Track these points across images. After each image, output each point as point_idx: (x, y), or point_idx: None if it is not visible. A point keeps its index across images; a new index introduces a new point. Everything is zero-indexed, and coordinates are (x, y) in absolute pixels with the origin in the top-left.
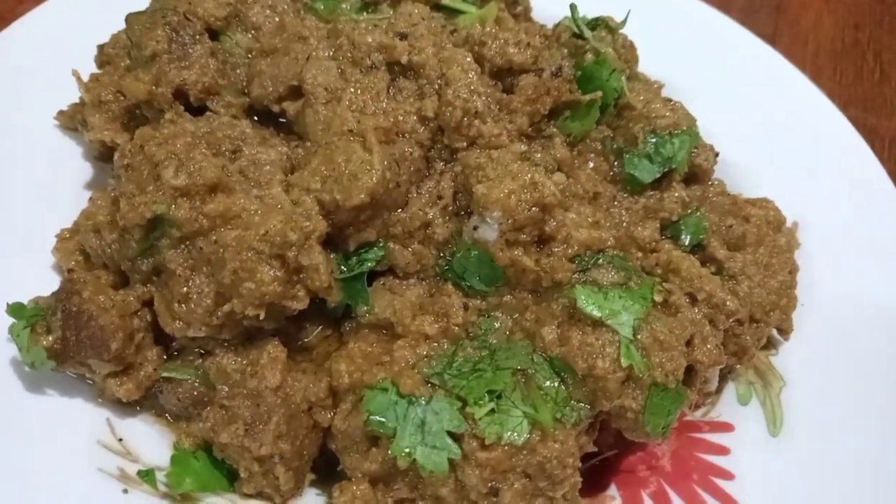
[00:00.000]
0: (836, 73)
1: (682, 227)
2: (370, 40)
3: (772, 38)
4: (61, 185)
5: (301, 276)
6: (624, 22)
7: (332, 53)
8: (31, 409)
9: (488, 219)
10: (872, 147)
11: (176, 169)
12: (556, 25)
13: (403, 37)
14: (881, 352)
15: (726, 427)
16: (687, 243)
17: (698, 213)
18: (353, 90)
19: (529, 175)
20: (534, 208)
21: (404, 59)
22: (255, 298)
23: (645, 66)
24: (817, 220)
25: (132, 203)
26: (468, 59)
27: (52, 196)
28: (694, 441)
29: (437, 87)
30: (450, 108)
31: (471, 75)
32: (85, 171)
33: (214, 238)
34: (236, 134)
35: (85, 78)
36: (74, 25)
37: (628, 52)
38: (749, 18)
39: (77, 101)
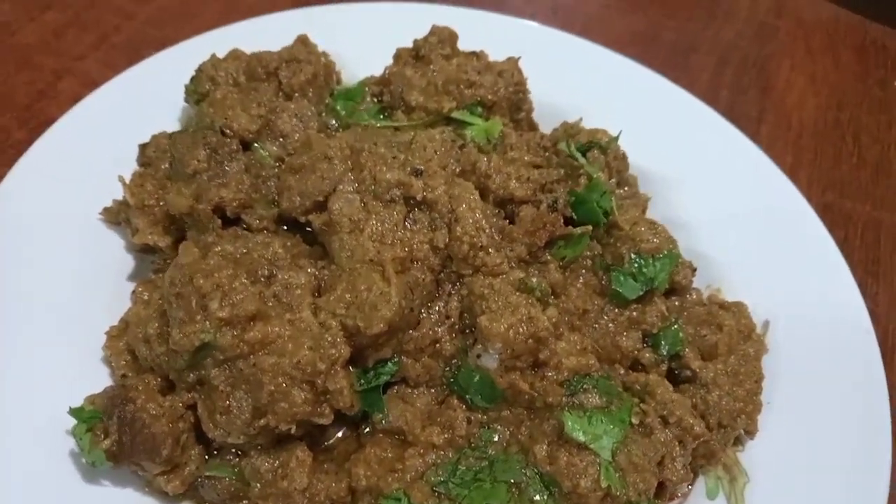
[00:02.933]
0: (817, 155)
1: (662, 339)
2: (389, 177)
3: (758, 120)
4: (106, 276)
5: (327, 396)
6: (616, 139)
7: (356, 187)
8: (87, 497)
9: (490, 350)
10: (845, 233)
11: (220, 302)
12: (555, 134)
13: (419, 174)
14: (841, 452)
15: None
16: (665, 353)
17: (676, 326)
18: (374, 221)
19: (526, 310)
20: (529, 340)
21: (419, 196)
22: (288, 416)
23: (634, 158)
24: (785, 318)
25: (183, 331)
26: (475, 198)
27: (97, 287)
28: None
29: (447, 220)
30: (458, 242)
31: (477, 214)
32: (127, 262)
33: (253, 362)
34: (270, 255)
35: (126, 172)
36: (115, 120)
37: (620, 163)
38: (738, 99)
39: (121, 198)
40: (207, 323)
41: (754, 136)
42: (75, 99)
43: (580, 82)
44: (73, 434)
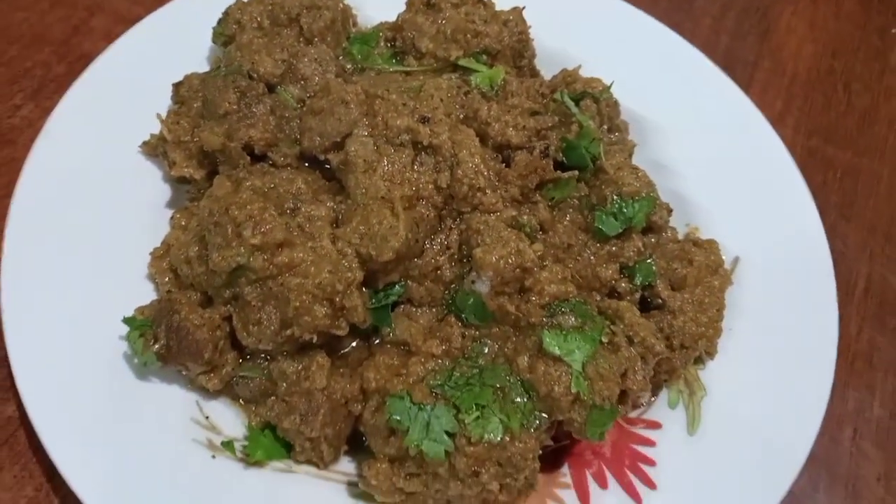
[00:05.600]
0: (807, 102)
1: (637, 271)
2: (399, 123)
3: (754, 65)
4: (147, 203)
5: (344, 312)
6: (608, 89)
7: (370, 132)
8: (141, 394)
9: (483, 277)
10: (825, 177)
11: (253, 230)
12: (554, 81)
13: (426, 120)
14: (789, 372)
15: (656, 425)
16: (638, 283)
17: (650, 260)
18: (385, 163)
19: (515, 244)
20: (517, 270)
21: (426, 141)
22: (310, 327)
23: (628, 103)
24: (754, 256)
25: (221, 255)
26: (475, 144)
27: (140, 213)
28: (629, 434)
29: (450, 163)
30: (459, 184)
31: (476, 159)
32: (165, 191)
33: (281, 282)
34: (294, 190)
35: (162, 109)
36: (148, 60)
37: (611, 110)
38: (736, 44)
39: (158, 133)
40: (242, 248)
41: (748, 82)
42: (107, 34)
43: (583, 29)
44: (128, 339)
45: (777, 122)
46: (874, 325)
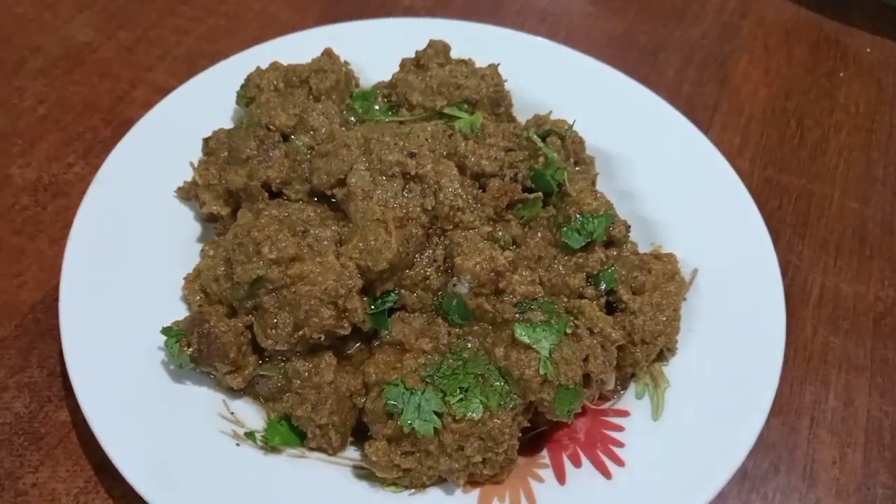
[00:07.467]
0: (763, 137)
1: (601, 278)
2: (391, 158)
3: (713, 108)
4: (180, 238)
5: (346, 314)
6: (571, 126)
7: (367, 166)
8: (175, 392)
9: (463, 280)
10: (781, 201)
11: (270, 247)
12: (528, 123)
13: (413, 155)
14: (741, 367)
15: (624, 413)
16: (603, 289)
17: (611, 269)
18: (380, 191)
19: (489, 252)
20: (491, 273)
21: (413, 172)
22: (318, 328)
23: (597, 143)
24: (711, 268)
25: (244, 269)
26: (455, 173)
27: (175, 246)
28: (602, 421)
29: (433, 190)
30: (441, 206)
31: (455, 185)
32: (196, 228)
33: (294, 290)
34: (304, 217)
35: (193, 160)
36: (182, 120)
37: (577, 146)
38: (697, 91)
39: (190, 180)
40: (261, 262)
41: (708, 123)
42: (147, 102)
43: (556, 81)
44: (165, 345)
45: (736, 156)
46: (828, 328)
